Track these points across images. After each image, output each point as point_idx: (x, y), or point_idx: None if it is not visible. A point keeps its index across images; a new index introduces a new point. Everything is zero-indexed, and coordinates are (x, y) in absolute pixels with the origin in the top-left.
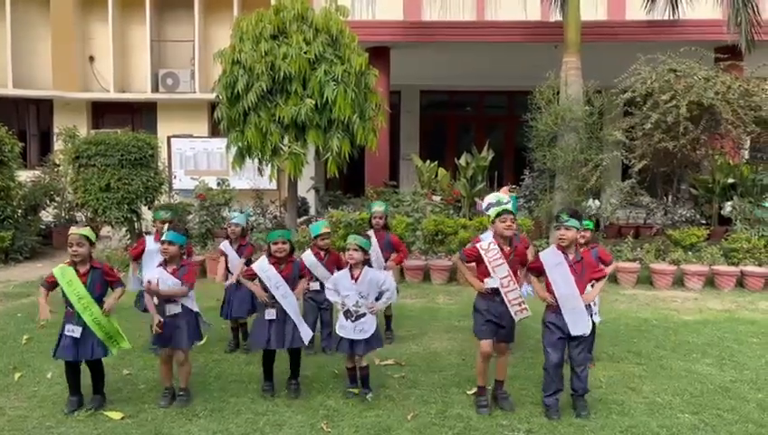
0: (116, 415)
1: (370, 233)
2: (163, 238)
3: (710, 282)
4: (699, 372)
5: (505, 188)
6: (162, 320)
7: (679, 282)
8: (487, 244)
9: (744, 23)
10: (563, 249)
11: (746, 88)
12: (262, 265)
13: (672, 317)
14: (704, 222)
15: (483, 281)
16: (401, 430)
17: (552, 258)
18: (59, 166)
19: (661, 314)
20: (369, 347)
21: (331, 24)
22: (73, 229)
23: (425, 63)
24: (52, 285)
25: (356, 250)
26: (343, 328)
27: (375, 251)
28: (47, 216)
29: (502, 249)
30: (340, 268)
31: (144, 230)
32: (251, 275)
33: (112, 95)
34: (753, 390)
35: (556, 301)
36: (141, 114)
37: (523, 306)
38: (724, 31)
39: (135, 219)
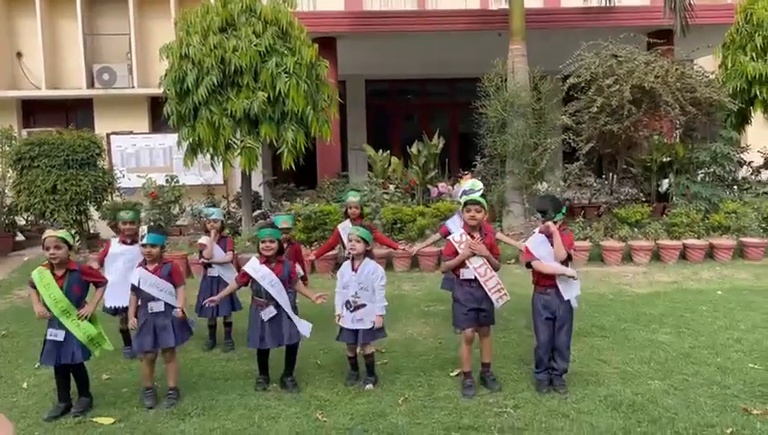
0: (106, 420)
1: (347, 223)
2: (144, 242)
3: (656, 256)
4: (660, 340)
5: (467, 175)
6: (136, 321)
7: (628, 257)
8: (459, 235)
9: (679, 7)
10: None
11: (683, 71)
12: (254, 266)
13: (626, 291)
14: (644, 199)
15: (460, 273)
16: (395, 415)
17: (536, 240)
18: None
19: (616, 288)
20: (374, 336)
21: (281, 15)
22: (49, 232)
23: (370, 53)
24: (34, 285)
25: (358, 241)
26: (344, 319)
27: None
28: None
29: (472, 237)
30: (299, 261)
31: (92, 231)
32: (245, 280)
33: (44, 92)
34: (712, 354)
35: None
36: (77, 112)
37: (503, 292)
38: (658, 16)
39: (84, 221)
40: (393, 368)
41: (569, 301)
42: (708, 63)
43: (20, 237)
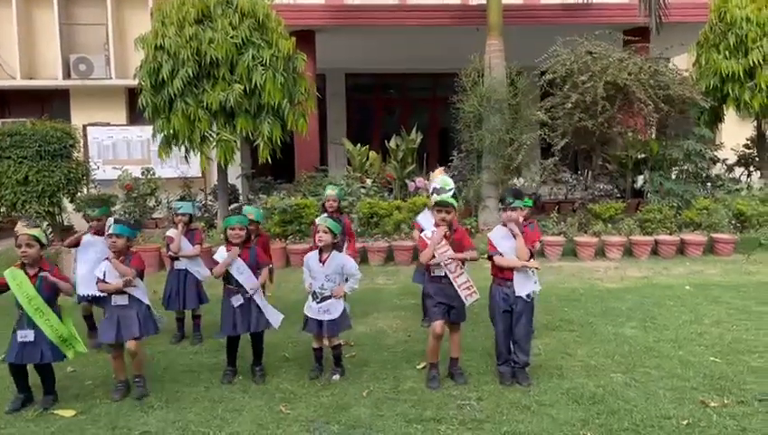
0: (68, 412)
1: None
2: (110, 232)
3: (628, 251)
4: (626, 334)
5: (440, 170)
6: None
7: (601, 252)
8: (431, 232)
9: (654, 5)
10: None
11: (656, 69)
12: (221, 254)
13: (597, 286)
14: (619, 195)
15: (431, 270)
16: (358, 407)
17: (498, 233)
18: None
19: (587, 283)
20: (339, 328)
21: (257, 8)
22: (21, 228)
23: (350, 47)
24: (3, 286)
25: (325, 232)
26: (310, 309)
27: None
28: None
29: (445, 235)
30: (266, 252)
31: (66, 223)
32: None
33: (19, 82)
34: (675, 348)
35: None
36: (53, 102)
37: (472, 290)
38: (634, 14)
39: (57, 213)
40: (361, 361)
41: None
42: (684, 62)
43: None
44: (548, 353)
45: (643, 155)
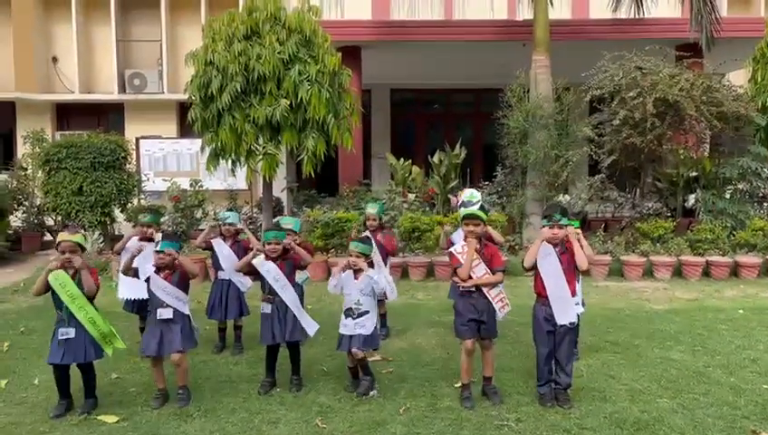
0: (110, 418)
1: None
2: (157, 249)
3: (678, 272)
4: (673, 358)
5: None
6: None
7: (649, 273)
8: (461, 246)
9: (705, 21)
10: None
11: (708, 84)
12: (260, 261)
13: (644, 307)
14: (669, 214)
15: (460, 284)
16: (394, 424)
17: (542, 250)
18: (27, 169)
19: (634, 304)
20: (367, 344)
21: (304, 24)
22: (65, 235)
23: (395, 62)
24: (45, 288)
25: (358, 257)
26: (345, 326)
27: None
28: (15, 220)
29: (475, 249)
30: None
31: (117, 233)
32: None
33: (77, 96)
34: (726, 374)
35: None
36: (108, 115)
37: (505, 302)
38: (686, 29)
39: (109, 223)
40: (398, 377)
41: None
42: (740, 77)
43: (48, 237)
44: (591, 375)
45: (695, 173)
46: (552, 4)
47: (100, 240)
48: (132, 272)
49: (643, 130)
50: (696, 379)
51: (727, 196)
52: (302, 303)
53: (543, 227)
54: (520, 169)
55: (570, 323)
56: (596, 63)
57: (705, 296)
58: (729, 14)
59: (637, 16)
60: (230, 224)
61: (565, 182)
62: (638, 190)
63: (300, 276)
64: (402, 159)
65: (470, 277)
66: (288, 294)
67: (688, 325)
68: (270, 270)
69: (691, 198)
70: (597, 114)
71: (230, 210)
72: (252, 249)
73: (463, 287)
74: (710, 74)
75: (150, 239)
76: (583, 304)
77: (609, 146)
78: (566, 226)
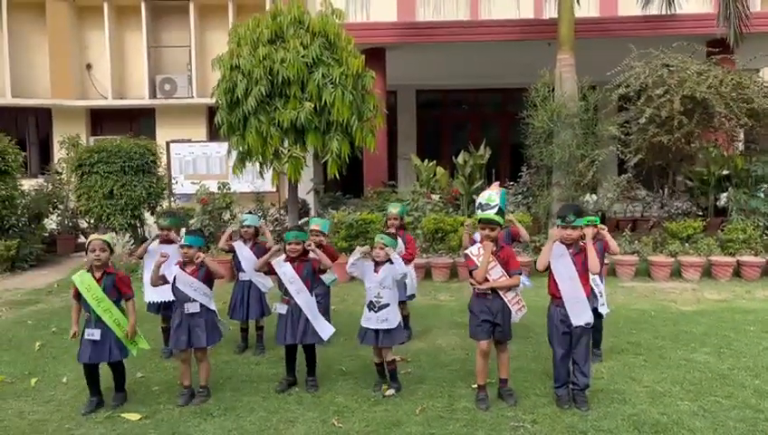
0: (133, 416)
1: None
2: (182, 243)
3: (707, 272)
4: (698, 360)
5: (495, 184)
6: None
7: (677, 273)
8: (477, 249)
9: (733, 16)
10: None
11: (738, 81)
12: (279, 262)
13: (670, 308)
14: (700, 214)
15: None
16: (410, 424)
17: (555, 251)
18: (61, 174)
19: (660, 305)
20: (393, 340)
21: (328, 27)
22: (95, 235)
23: (420, 63)
24: (78, 295)
25: (382, 248)
26: (368, 320)
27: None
28: (50, 224)
29: (492, 252)
30: (331, 257)
31: (146, 236)
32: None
33: (110, 102)
34: (751, 376)
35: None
36: (140, 120)
37: (522, 304)
38: (715, 25)
39: (138, 225)
40: (416, 377)
41: None
42: None
43: (82, 239)
44: (611, 377)
45: (727, 172)
46: (578, 2)
47: (131, 242)
48: (162, 280)
49: (670, 129)
50: (719, 381)
51: (761, 195)
52: (328, 303)
53: (557, 227)
54: (545, 169)
55: (585, 324)
56: (622, 61)
57: (735, 297)
58: (763, 8)
59: (668, 12)
60: (248, 226)
61: (592, 182)
62: (666, 189)
63: (327, 277)
64: (427, 160)
65: (486, 280)
66: (302, 298)
67: (715, 327)
68: (286, 272)
69: (723, 197)
70: (623, 113)
71: (249, 213)
72: (270, 249)
73: (478, 289)
74: (740, 71)
75: (171, 241)
76: (607, 305)
77: (635, 145)
78: (581, 226)
